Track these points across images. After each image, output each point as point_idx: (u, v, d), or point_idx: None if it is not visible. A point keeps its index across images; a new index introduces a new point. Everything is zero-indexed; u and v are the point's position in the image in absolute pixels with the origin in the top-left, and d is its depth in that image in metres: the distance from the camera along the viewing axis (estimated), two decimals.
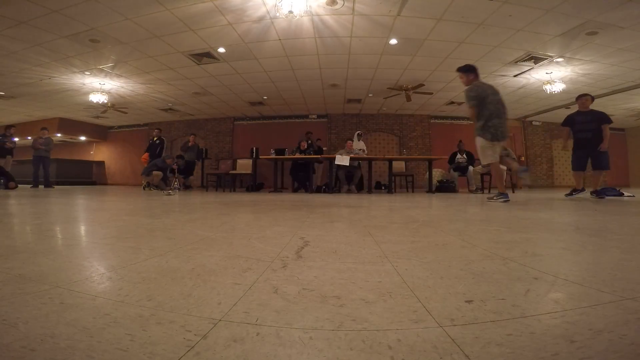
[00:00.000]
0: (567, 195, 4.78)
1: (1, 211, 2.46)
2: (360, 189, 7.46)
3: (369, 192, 6.66)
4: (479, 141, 3.77)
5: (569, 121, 4.84)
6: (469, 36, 5.31)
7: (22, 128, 10.80)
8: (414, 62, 6.47)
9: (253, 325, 0.54)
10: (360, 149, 7.43)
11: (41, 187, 7.60)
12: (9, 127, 7.69)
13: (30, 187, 7.49)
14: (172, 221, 1.91)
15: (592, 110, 4.70)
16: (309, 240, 1.31)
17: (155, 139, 8.39)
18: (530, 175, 4.01)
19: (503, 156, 3.89)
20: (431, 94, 8.30)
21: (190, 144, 8.55)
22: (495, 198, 3.87)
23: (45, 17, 4.60)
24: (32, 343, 0.46)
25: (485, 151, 3.74)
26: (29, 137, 10.38)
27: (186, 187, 8.07)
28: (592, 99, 4.77)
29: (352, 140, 7.48)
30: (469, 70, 3.85)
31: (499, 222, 1.96)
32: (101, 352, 0.44)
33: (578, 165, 4.76)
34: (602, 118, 4.57)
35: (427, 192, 6.74)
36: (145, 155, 8.27)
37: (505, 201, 3.73)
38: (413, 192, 7.29)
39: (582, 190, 4.82)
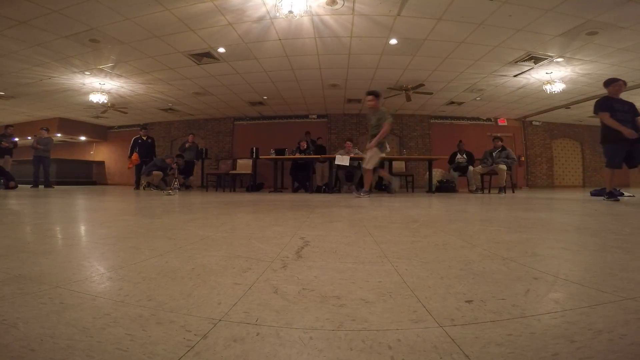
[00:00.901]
0: (608, 197, 4.00)
1: (1, 211, 2.46)
2: (360, 188, 7.46)
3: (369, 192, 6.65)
4: (376, 151, 4.62)
5: (606, 106, 4.02)
6: (469, 36, 5.31)
7: (22, 128, 10.81)
8: (414, 62, 6.47)
9: (253, 325, 0.54)
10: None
11: (41, 187, 7.60)
12: (7, 126, 7.68)
13: (30, 187, 7.49)
14: (172, 221, 1.91)
15: (621, 98, 4.14)
16: (309, 240, 1.31)
17: (145, 138, 8.08)
18: (397, 189, 4.43)
19: (378, 167, 5.02)
20: (431, 94, 8.30)
21: (188, 144, 8.46)
22: (362, 194, 4.71)
23: (45, 17, 4.60)
24: (32, 343, 0.46)
25: (374, 159, 4.63)
26: (29, 137, 10.39)
27: (186, 187, 8.05)
28: (625, 84, 4.20)
29: (351, 141, 7.46)
30: (379, 96, 4.67)
31: (499, 222, 1.96)
32: (101, 352, 0.44)
33: (619, 161, 3.96)
34: (636, 109, 4.04)
35: (427, 192, 6.74)
36: (135, 155, 7.87)
37: (368, 197, 4.53)
38: (413, 192, 7.29)
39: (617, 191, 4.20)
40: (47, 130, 8.15)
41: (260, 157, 7.73)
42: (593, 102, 4.44)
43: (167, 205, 3.07)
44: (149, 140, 8.13)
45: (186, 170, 8.14)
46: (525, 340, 0.48)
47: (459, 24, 4.94)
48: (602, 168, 4.29)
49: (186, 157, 8.23)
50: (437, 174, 7.41)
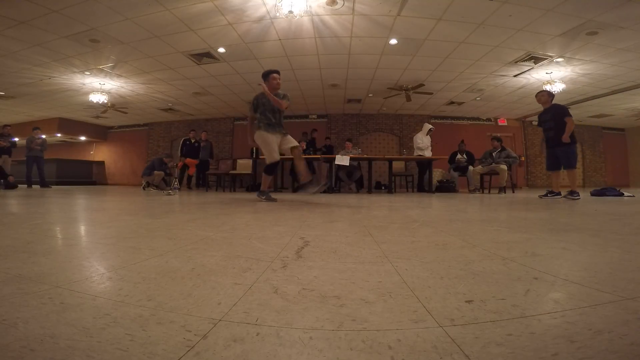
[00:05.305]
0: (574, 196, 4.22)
1: (1, 211, 2.46)
2: (360, 187, 7.48)
3: (369, 192, 6.66)
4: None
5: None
6: (469, 36, 5.31)
7: (22, 128, 10.80)
8: (414, 62, 6.48)
9: (253, 325, 0.54)
10: (427, 146, 7.30)
11: (36, 187, 7.57)
12: (5, 126, 7.66)
13: (26, 187, 7.46)
14: (172, 221, 1.91)
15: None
16: (309, 240, 1.31)
17: (194, 140, 8.19)
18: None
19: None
20: (431, 94, 8.30)
21: (203, 142, 8.39)
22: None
23: (45, 17, 4.60)
24: (32, 343, 0.46)
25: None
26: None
27: (203, 185, 8.10)
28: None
29: (350, 141, 7.47)
30: None
31: (499, 222, 1.96)
32: (101, 352, 0.44)
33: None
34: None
35: (427, 191, 6.74)
36: (190, 161, 8.04)
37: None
38: (413, 192, 7.29)
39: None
40: (40, 129, 8.14)
41: (261, 157, 7.73)
42: (593, 102, 4.51)
43: (167, 205, 3.07)
44: (196, 144, 8.21)
45: (201, 169, 8.16)
46: (525, 340, 0.48)
47: (459, 24, 4.94)
48: (565, 169, 4.57)
49: (201, 157, 8.23)
50: (437, 174, 7.41)
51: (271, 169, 3.66)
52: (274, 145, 3.55)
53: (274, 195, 4.14)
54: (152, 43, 5.58)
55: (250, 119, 3.81)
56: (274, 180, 7.45)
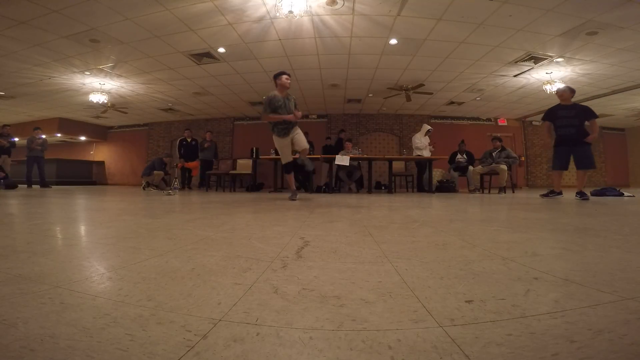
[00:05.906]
0: (581, 197, 4.19)
1: (1, 211, 2.46)
2: (360, 187, 7.48)
3: (369, 192, 6.66)
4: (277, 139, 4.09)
5: None
6: (469, 36, 5.31)
7: (22, 128, 10.80)
8: (414, 62, 6.47)
9: (253, 325, 0.54)
10: (426, 145, 7.21)
11: (36, 187, 7.57)
12: (4, 126, 7.65)
13: (26, 187, 7.46)
14: (172, 221, 1.90)
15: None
16: (309, 240, 1.31)
17: (190, 139, 8.19)
18: None
19: None
20: (431, 94, 8.30)
21: (207, 143, 8.38)
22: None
23: (45, 17, 4.60)
24: (32, 343, 0.46)
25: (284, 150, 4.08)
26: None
27: (204, 185, 8.12)
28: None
29: (350, 142, 7.47)
30: None
31: (499, 222, 1.96)
32: (101, 352, 0.44)
33: None
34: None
35: (427, 191, 6.74)
36: (190, 165, 8.08)
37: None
38: (413, 192, 7.29)
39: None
40: (41, 129, 8.16)
41: (261, 157, 7.73)
42: (593, 102, 4.52)
43: (167, 205, 3.07)
44: (193, 142, 8.18)
45: (205, 169, 8.20)
46: (525, 340, 0.48)
47: (459, 24, 4.94)
48: (581, 170, 4.56)
49: (202, 157, 8.24)
50: (437, 174, 7.40)
51: (287, 168, 4.13)
52: (286, 149, 4.02)
53: (278, 195, 4.41)
54: (152, 43, 5.58)
55: (264, 114, 4.05)
56: (274, 180, 7.45)
